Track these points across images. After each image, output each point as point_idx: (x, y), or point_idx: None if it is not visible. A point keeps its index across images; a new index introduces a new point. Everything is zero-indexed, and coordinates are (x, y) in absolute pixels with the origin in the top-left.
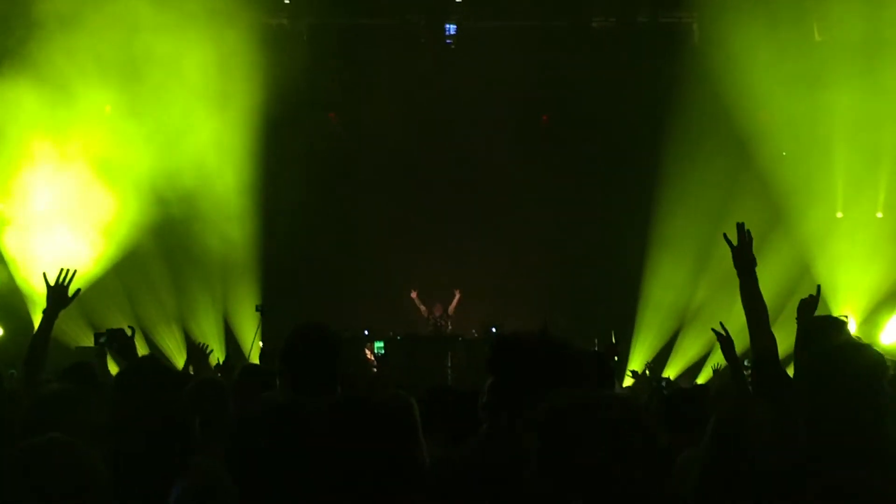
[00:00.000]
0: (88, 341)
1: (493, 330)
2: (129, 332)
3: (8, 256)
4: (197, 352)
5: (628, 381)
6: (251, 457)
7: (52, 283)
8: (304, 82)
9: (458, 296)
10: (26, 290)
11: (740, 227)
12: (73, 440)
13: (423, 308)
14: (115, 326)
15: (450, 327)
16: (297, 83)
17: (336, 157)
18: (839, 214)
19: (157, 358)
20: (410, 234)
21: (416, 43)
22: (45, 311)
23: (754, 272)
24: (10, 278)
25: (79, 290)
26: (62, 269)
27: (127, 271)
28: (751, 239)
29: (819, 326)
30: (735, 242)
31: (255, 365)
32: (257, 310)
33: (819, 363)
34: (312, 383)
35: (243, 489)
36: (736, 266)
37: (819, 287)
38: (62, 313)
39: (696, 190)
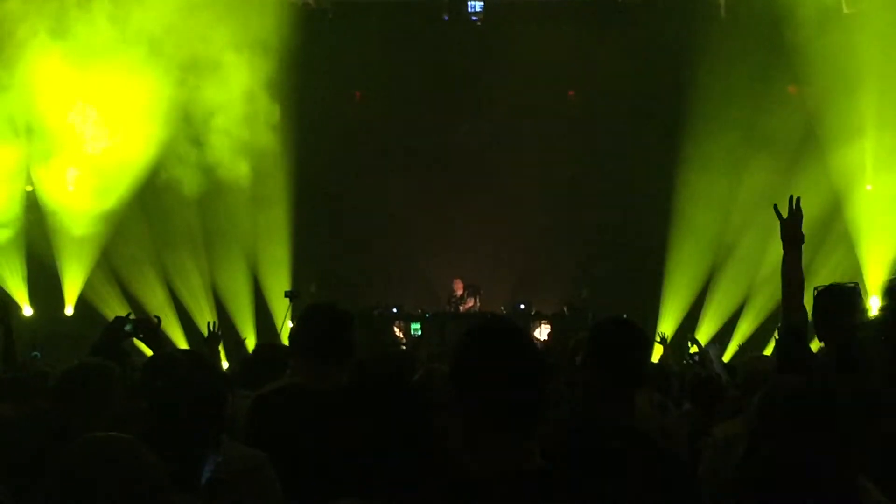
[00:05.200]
0: (116, 305)
1: (521, 306)
2: (155, 321)
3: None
4: (214, 338)
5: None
6: (260, 436)
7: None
8: (330, 61)
9: (460, 286)
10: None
11: (792, 200)
12: (133, 438)
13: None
14: (145, 286)
15: (478, 305)
16: (322, 62)
17: (362, 136)
18: (868, 187)
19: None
20: (437, 211)
21: (441, 20)
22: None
23: (800, 247)
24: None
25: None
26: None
27: (159, 234)
28: (801, 216)
29: (835, 300)
30: (785, 215)
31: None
32: (286, 295)
33: None
34: (325, 362)
35: None
36: (783, 238)
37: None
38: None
39: (719, 164)
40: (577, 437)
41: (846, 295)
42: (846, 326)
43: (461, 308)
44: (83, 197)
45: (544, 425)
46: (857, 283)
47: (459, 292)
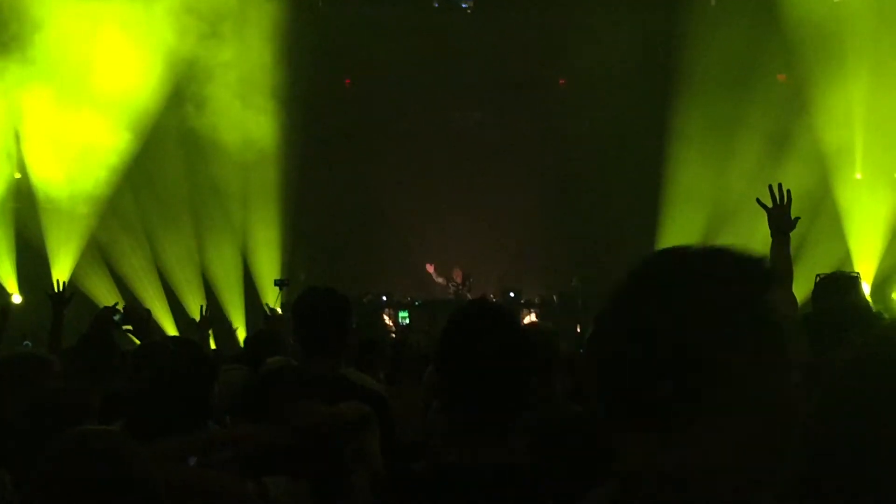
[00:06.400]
0: (106, 292)
1: (512, 294)
2: (144, 314)
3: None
4: (205, 322)
5: None
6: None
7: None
8: (320, 48)
9: (459, 274)
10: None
11: (781, 189)
12: (120, 431)
13: (440, 280)
14: (133, 270)
15: (469, 293)
16: (312, 48)
17: (352, 122)
18: (858, 175)
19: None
20: (429, 200)
21: (431, 7)
22: None
23: (789, 235)
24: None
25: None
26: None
27: (149, 218)
28: (790, 200)
29: (832, 283)
30: (769, 205)
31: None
32: (276, 284)
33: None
34: (319, 345)
35: None
36: (772, 227)
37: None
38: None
39: (709, 153)
40: (573, 430)
41: (832, 281)
42: (827, 309)
43: (463, 291)
44: (72, 179)
45: (528, 417)
46: (857, 273)
47: (459, 280)
